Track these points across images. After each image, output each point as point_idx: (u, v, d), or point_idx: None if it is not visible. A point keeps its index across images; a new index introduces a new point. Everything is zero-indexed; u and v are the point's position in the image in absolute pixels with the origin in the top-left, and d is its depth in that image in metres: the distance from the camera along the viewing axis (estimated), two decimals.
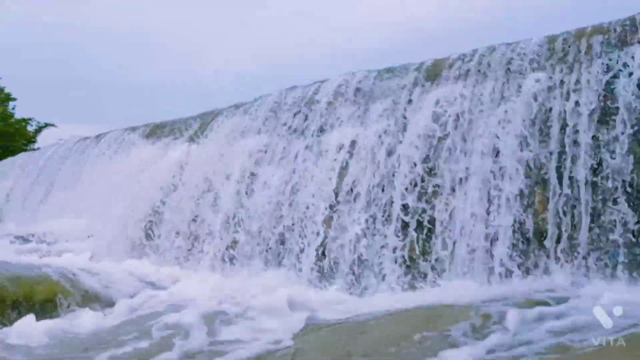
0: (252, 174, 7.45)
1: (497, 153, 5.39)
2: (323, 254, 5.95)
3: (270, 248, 6.59)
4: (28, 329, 4.23)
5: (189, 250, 7.51)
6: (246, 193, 7.28)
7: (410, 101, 6.33)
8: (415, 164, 5.76)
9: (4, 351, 3.66)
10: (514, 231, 5.01)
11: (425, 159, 5.74)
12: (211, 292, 5.62)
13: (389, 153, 6.00)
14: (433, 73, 6.50)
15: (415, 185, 5.61)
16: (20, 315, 4.60)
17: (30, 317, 4.48)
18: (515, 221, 5.02)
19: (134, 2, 58.15)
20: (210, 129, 9.02)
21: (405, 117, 6.20)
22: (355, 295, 5.33)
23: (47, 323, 4.42)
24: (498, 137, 5.44)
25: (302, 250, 6.24)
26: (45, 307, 4.89)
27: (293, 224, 6.49)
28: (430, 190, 5.57)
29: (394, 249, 5.38)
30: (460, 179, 5.45)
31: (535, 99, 5.40)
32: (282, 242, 6.51)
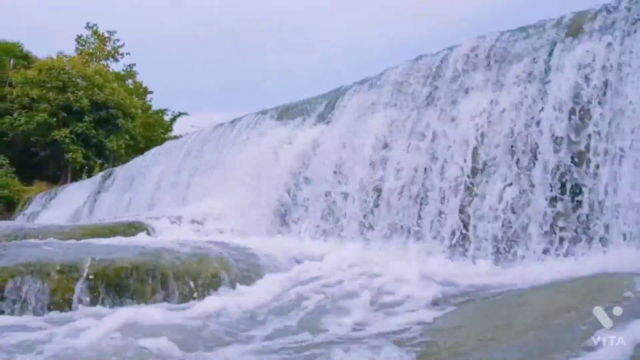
0: (384, 148, 7.52)
1: None
2: (464, 224, 5.90)
3: (408, 219, 6.64)
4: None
5: (328, 224, 7.79)
6: (380, 168, 7.38)
7: (550, 61, 5.99)
8: (560, 127, 5.47)
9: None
10: None
11: (571, 121, 5.42)
12: (357, 264, 5.78)
13: (530, 117, 5.75)
14: (574, 28, 6.07)
15: (563, 148, 5.33)
16: (192, 290, 5.13)
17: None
18: None
19: None
20: (337, 106, 9.19)
21: (545, 79, 5.89)
22: (503, 266, 5.23)
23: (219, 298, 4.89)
24: None
25: (441, 222, 6.22)
26: (211, 283, 5.38)
27: (431, 196, 6.47)
28: (578, 153, 5.27)
29: (543, 216, 5.19)
30: (612, 139, 5.09)
31: None
32: (420, 214, 6.53)
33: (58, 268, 4.84)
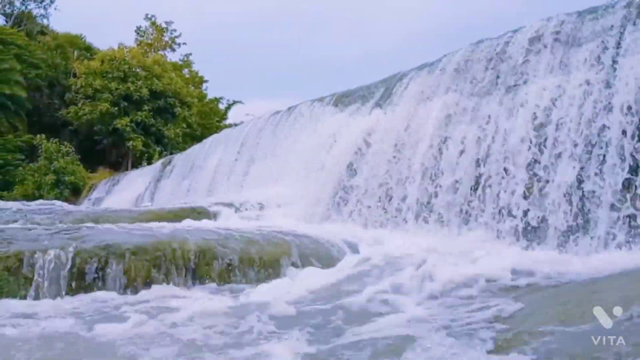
0: (444, 135, 7.43)
1: None
2: (529, 211, 5.78)
3: (469, 207, 6.57)
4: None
5: (386, 210, 7.80)
6: (439, 154, 7.31)
7: (620, 43, 5.76)
8: (631, 111, 5.27)
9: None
10: None
11: None
12: (419, 252, 5.77)
13: (600, 101, 5.56)
14: None
15: (634, 132, 5.14)
16: (259, 273, 5.30)
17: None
18: None
19: None
20: (395, 92, 9.14)
21: (615, 62, 5.67)
22: (569, 253, 5.11)
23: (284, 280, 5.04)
24: None
25: (501, 209, 6.12)
26: (273, 266, 5.53)
27: (491, 183, 6.38)
28: None
29: (612, 203, 5.03)
30: None
31: None
32: (479, 201, 6.45)
33: (132, 250, 5.09)
